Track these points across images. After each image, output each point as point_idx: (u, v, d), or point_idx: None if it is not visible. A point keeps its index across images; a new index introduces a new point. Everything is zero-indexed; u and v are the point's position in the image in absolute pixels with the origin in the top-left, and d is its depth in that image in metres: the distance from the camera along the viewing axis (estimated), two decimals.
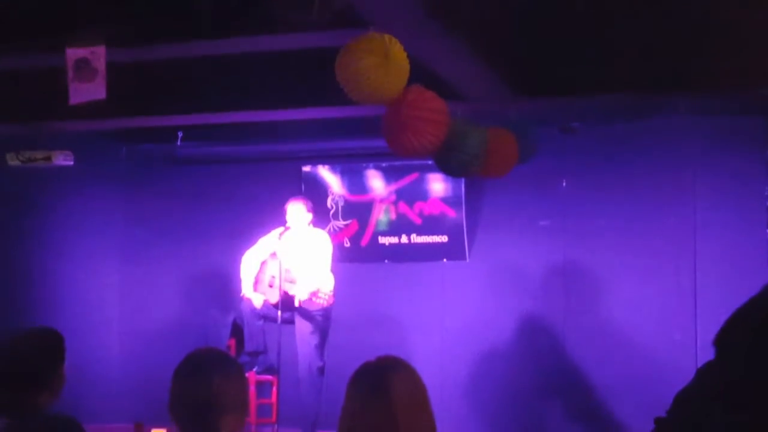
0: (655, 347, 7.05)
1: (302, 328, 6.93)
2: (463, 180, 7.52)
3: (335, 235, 7.88)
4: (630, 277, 7.23)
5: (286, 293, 6.82)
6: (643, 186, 7.27)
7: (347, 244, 7.98)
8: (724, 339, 1.82)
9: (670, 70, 5.34)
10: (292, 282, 6.89)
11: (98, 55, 4.29)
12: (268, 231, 7.19)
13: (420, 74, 4.33)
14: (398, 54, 3.92)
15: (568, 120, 7.22)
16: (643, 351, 7.06)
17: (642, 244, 7.22)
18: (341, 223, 8.03)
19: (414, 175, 7.83)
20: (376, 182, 7.99)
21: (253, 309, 7.01)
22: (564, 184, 7.43)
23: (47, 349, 3.46)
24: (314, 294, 6.78)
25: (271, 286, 7.04)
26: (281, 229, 7.03)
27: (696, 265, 7.10)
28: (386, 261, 7.92)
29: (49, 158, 7.22)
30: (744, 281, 6.43)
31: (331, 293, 6.88)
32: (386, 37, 3.90)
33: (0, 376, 3.33)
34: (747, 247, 6.97)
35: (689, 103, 6.86)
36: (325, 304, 6.81)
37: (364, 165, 7.98)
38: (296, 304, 6.80)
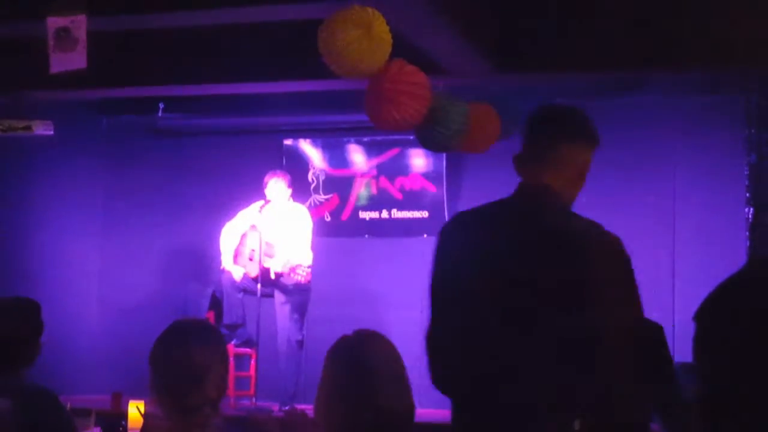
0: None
1: (281, 302, 6.94)
2: (444, 155, 7.52)
3: (316, 209, 7.88)
4: None
5: (265, 267, 6.82)
6: (623, 163, 7.28)
7: (328, 219, 7.98)
8: (704, 314, 1.86)
9: (650, 47, 5.35)
10: (271, 256, 6.89)
11: (79, 24, 4.26)
12: (249, 204, 7.18)
13: (402, 48, 4.32)
14: (381, 27, 3.91)
15: (550, 96, 7.22)
16: None
17: (621, 221, 7.16)
18: (322, 197, 8.03)
19: (395, 150, 7.83)
20: (358, 157, 7.98)
21: (233, 282, 7.01)
22: None
23: (23, 319, 3.46)
24: (293, 269, 6.79)
25: (251, 259, 7.04)
26: (261, 202, 7.03)
27: (674, 243, 7.14)
28: (366, 236, 7.93)
29: (29, 128, 7.16)
30: (722, 259, 6.48)
31: (309, 269, 6.88)
32: (369, 10, 3.90)
33: None
34: (725, 225, 7.02)
35: (669, 81, 6.89)
36: (303, 280, 6.82)
37: (346, 139, 7.97)
38: (272, 275, 6.80)
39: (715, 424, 1.35)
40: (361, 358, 2.41)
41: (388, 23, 3.94)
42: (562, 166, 2.70)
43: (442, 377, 2.64)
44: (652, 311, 7.73)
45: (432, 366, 2.66)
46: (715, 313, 1.73)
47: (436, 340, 2.69)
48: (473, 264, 2.64)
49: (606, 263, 2.58)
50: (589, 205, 7.95)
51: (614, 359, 2.46)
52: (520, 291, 2.50)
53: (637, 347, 2.57)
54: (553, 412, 2.42)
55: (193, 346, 2.59)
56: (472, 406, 2.56)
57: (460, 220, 2.86)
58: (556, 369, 2.42)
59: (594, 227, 2.66)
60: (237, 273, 7.00)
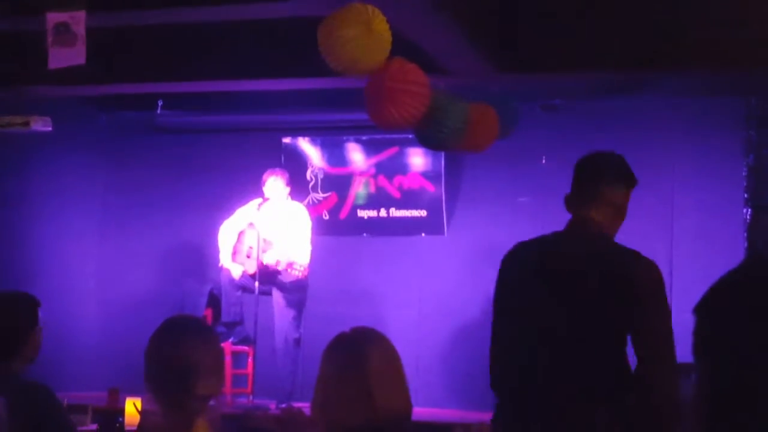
0: None
1: (279, 300, 6.94)
2: (443, 155, 7.52)
3: (314, 208, 7.87)
4: None
5: (263, 264, 6.82)
6: None
7: (326, 217, 7.98)
8: (703, 308, 1.88)
9: (650, 49, 5.35)
10: (267, 252, 6.89)
11: (78, 19, 4.25)
12: (247, 202, 7.17)
13: (402, 47, 4.32)
14: (380, 25, 3.91)
15: (550, 97, 7.23)
16: None
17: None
18: (320, 195, 8.02)
19: (394, 149, 7.82)
20: (356, 155, 7.98)
21: (232, 279, 7.00)
22: (544, 160, 7.44)
23: (20, 314, 3.45)
24: (290, 265, 6.79)
25: (248, 257, 7.04)
26: (259, 200, 7.02)
27: (672, 243, 7.15)
28: (365, 234, 7.93)
29: (27, 123, 7.16)
30: (720, 260, 6.47)
31: (307, 266, 6.88)
32: (369, 7, 3.89)
33: None
34: (724, 226, 7.02)
35: (669, 82, 6.88)
36: (300, 276, 6.82)
37: (345, 138, 7.97)
38: (274, 264, 6.78)
39: (714, 421, 1.36)
40: (359, 356, 2.41)
41: (388, 21, 3.94)
42: (604, 205, 3.27)
43: (498, 380, 3.16)
44: None
45: (491, 372, 3.19)
46: (715, 307, 1.75)
47: (496, 350, 3.20)
48: (530, 283, 3.17)
49: (643, 281, 3.08)
50: None
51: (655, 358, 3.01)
52: (567, 303, 3.04)
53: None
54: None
55: (185, 343, 2.59)
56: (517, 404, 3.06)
57: (520, 247, 3.44)
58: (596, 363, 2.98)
59: (632, 252, 3.18)
60: (236, 271, 6.99)
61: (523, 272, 3.25)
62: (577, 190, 3.32)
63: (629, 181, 3.41)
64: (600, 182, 3.30)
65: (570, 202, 3.33)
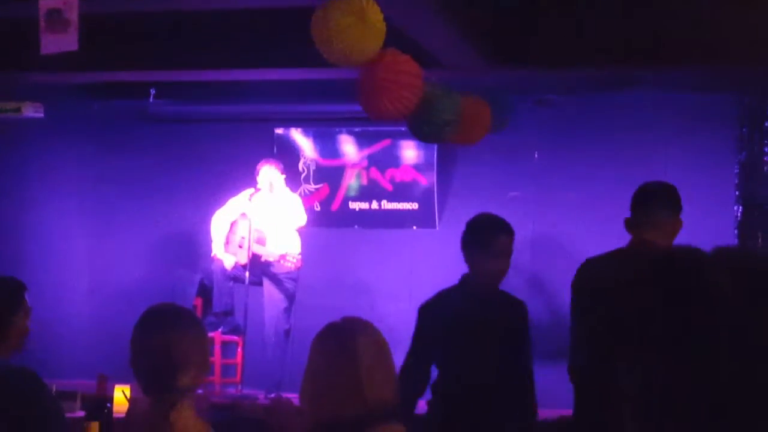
0: None
1: (270, 291, 6.94)
2: (435, 147, 7.52)
3: (306, 199, 7.86)
4: (598, 250, 7.25)
5: (255, 254, 6.82)
6: (614, 160, 7.30)
7: (317, 208, 7.97)
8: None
9: (643, 44, 5.36)
10: (261, 243, 6.89)
11: (71, 5, 4.23)
12: (239, 192, 7.16)
13: (396, 39, 4.31)
14: (375, 15, 3.90)
15: (543, 91, 7.23)
16: None
17: (611, 218, 7.23)
18: (312, 186, 8.02)
19: (386, 142, 7.82)
20: (349, 147, 7.97)
21: (224, 270, 7.00)
22: (536, 155, 7.44)
23: (8, 300, 3.43)
24: (283, 257, 6.79)
25: (240, 247, 7.03)
26: (251, 190, 7.01)
27: None
28: (356, 226, 7.93)
29: (18, 109, 7.14)
30: None
31: (299, 257, 6.88)
32: None
33: None
34: (715, 223, 7.03)
35: (662, 78, 6.89)
36: (293, 267, 6.81)
37: (337, 130, 7.96)
38: (269, 258, 6.79)
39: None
40: (348, 345, 2.41)
41: (382, 12, 3.93)
42: (658, 227, 3.95)
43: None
44: None
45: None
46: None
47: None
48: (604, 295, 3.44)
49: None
50: (580, 200, 7.97)
51: None
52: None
53: None
54: None
55: (166, 333, 2.58)
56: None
57: (590, 263, 4.24)
58: None
59: None
60: (228, 261, 6.99)
61: (595, 287, 3.84)
62: (636, 215, 4.06)
63: (680, 207, 4.11)
64: (657, 209, 4.04)
65: (629, 225, 4.09)
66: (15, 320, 3.40)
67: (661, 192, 4.09)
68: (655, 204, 4.02)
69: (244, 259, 6.91)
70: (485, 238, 4.18)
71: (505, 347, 4.12)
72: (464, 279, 4.28)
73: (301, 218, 7.04)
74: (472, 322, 4.04)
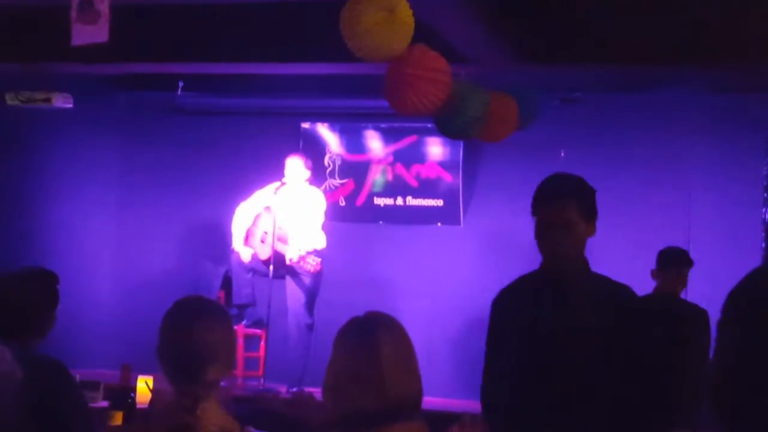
0: None
1: (292, 286, 6.95)
2: (461, 145, 7.50)
3: (331, 194, 7.87)
4: (623, 250, 7.23)
5: (277, 252, 6.83)
6: (640, 159, 7.26)
7: (342, 203, 7.98)
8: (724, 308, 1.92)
9: (673, 44, 5.32)
10: (283, 241, 6.90)
11: None
12: (264, 185, 7.18)
13: (424, 35, 4.30)
14: (404, 11, 3.90)
15: (570, 89, 7.20)
16: None
17: (637, 218, 7.22)
18: (337, 181, 8.02)
19: (412, 138, 7.81)
20: (375, 143, 7.97)
21: (241, 262, 7.03)
22: (562, 154, 7.41)
23: (42, 292, 3.45)
24: (303, 258, 6.78)
25: (262, 242, 7.05)
26: (278, 183, 7.03)
27: (690, 240, 7.10)
28: (381, 222, 7.92)
29: (48, 100, 7.19)
30: (737, 259, 6.45)
31: (319, 260, 6.87)
32: None
33: None
34: (741, 225, 6.98)
35: (691, 78, 6.84)
36: (312, 270, 6.81)
37: (363, 125, 7.96)
38: (287, 261, 6.81)
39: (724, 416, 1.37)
40: (371, 340, 2.40)
41: (411, 8, 3.93)
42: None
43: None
44: None
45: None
46: (729, 308, 1.76)
47: None
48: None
49: None
50: (606, 199, 7.92)
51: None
52: None
53: None
54: None
55: (196, 326, 2.58)
56: None
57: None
58: None
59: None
60: (245, 254, 7.01)
61: None
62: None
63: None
64: None
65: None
66: (53, 314, 3.44)
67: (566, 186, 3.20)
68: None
69: (264, 253, 6.93)
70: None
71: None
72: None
73: (321, 216, 7.04)
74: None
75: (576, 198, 3.14)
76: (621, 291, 3.17)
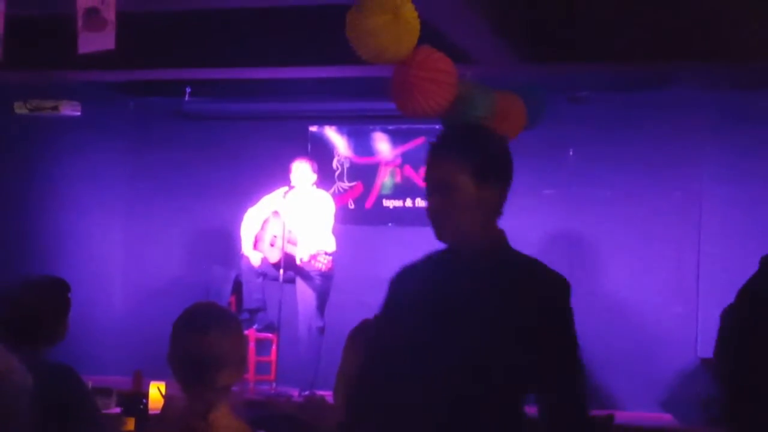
0: (656, 320, 7.05)
1: (303, 288, 6.95)
2: None
3: (340, 197, 7.88)
4: (633, 249, 7.22)
5: (287, 254, 6.84)
6: (650, 158, 7.24)
7: (351, 206, 7.98)
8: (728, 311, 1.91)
9: (680, 41, 5.30)
10: (293, 243, 6.90)
11: (108, 4, 4.26)
12: (273, 190, 7.18)
13: (430, 36, 4.30)
14: (409, 13, 3.89)
15: (577, 88, 7.18)
16: (644, 323, 7.07)
17: (647, 217, 7.20)
18: (346, 184, 8.03)
19: (420, 139, 7.81)
20: (383, 145, 7.97)
21: (251, 267, 7.04)
22: (571, 153, 7.40)
23: (53, 300, 3.47)
24: (314, 257, 6.79)
25: (272, 245, 7.05)
26: (286, 188, 7.04)
27: (700, 238, 7.09)
28: (390, 224, 7.92)
29: (56, 108, 7.21)
30: (748, 257, 6.40)
31: (330, 258, 6.87)
32: None
33: (4, 324, 3.34)
34: (752, 222, 6.95)
35: (699, 75, 6.82)
36: (324, 268, 6.82)
37: (371, 127, 7.96)
38: (297, 262, 6.82)
39: (736, 413, 1.36)
40: None
41: (416, 9, 3.93)
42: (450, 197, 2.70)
43: None
44: (675, 307, 7.67)
45: None
46: (737, 309, 1.76)
47: None
48: None
49: None
50: (616, 198, 7.88)
51: None
52: None
53: None
54: None
55: (207, 333, 2.59)
56: None
57: None
58: None
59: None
60: (255, 258, 7.02)
61: None
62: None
63: None
64: None
65: None
66: (66, 321, 3.45)
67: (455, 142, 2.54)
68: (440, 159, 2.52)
69: (274, 257, 6.93)
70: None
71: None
72: None
73: (330, 219, 7.05)
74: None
75: (462, 154, 2.47)
76: (546, 280, 2.54)
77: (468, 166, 2.46)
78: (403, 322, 2.50)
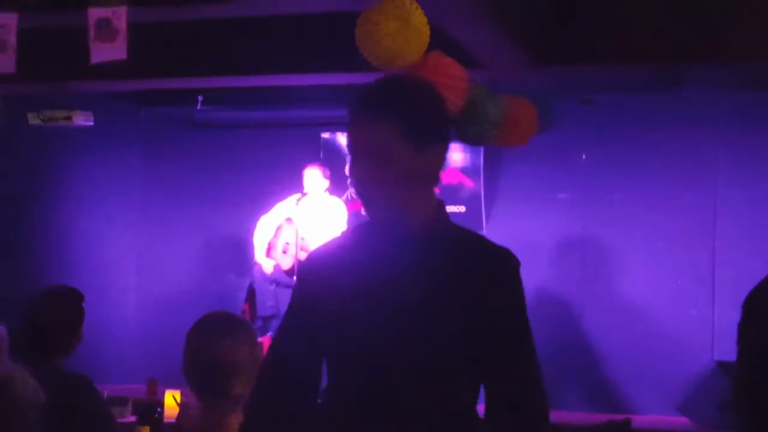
0: (671, 322, 7.03)
1: None
2: (481, 150, 7.49)
3: (352, 203, 7.87)
4: (648, 252, 7.20)
5: (300, 260, 6.84)
6: (664, 160, 7.22)
7: (364, 213, 7.97)
8: (748, 303, 1.89)
9: (694, 40, 5.28)
10: (306, 250, 6.91)
11: (120, 15, 4.28)
12: (285, 197, 7.19)
13: (440, 41, 4.30)
14: (419, 19, 3.90)
15: (589, 91, 7.17)
16: (659, 326, 7.04)
17: (661, 219, 7.18)
18: None
19: None
20: None
21: (264, 274, 7.05)
22: (584, 156, 7.38)
23: (68, 310, 3.48)
24: None
25: (285, 252, 7.06)
26: (298, 195, 7.05)
27: (715, 240, 7.06)
28: None
29: (69, 118, 7.23)
30: (763, 257, 6.40)
31: None
32: (407, 1, 3.89)
33: (20, 336, 3.35)
34: (767, 223, 6.92)
35: (712, 75, 6.79)
36: None
37: None
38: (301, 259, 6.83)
39: (752, 409, 1.36)
40: None
41: (425, 15, 3.93)
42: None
43: None
44: (690, 310, 7.62)
45: None
46: (756, 303, 1.75)
47: None
48: None
49: None
50: (629, 201, 7.84)
51: None
52: None
53: None
54: None
55: (221, 343, 2.59)
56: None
57: None
58: None
59: None
60: (267, 266, 7.04)
61: None
62: None
63: None
64: None
65: None
66: (80, 331, 3.47)
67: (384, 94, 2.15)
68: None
69: (286, 264, 6.94)
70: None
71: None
72: None
73: (343, 226, 7.06)
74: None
75: (396, 113, 2.09)
76: (492, 255, 2.13)
77: (404, 127, 2.07)
78: (327, 310, 2.13)
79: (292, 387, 2.21)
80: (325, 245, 2.33)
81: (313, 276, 2.25)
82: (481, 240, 2.21)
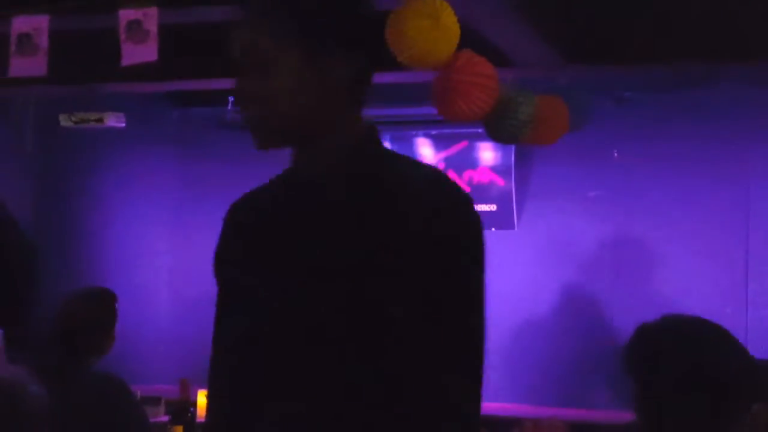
0: None
1: None
2: (512, 148, 7.46)
3: None
4: (681, 250, 7.14)
5: None
6: (696, 158, 7.16)
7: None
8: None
9: (726, 39, 5.24)
10: None
11: (150, 16, 4.30)
12: None
13: (470, 40, 4.29)
14: (449, 18, 3.89)
15: (621, 89, 7.12)
16: None
17: (694, 218, 7.12)
18: None
19: (463, 144, 7.78)
20: (426, 150, 7.95)
21: None
22: (615, 154, 7.33)
23: (102, 311, 3.51)
24: None
25: None
26: None
27: (749, 239, 6.99)
28: None
29: (101, 120, 7.29)
30: None
31: None
32: (437, 0, 3.88)
33: (54, 337, 3.38)
34: None
35: (746, 73, 6.72)
36: None
37: (414, 133, 7.94)
38: None
39: None
40: None
41: (455, 14, 3.93)
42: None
43: None
44: (724, 309, 7.57)
45: None
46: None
47: None
48: None
49: None
50: (662, 200, 7.80)
51: None
52: None
53: None
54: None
55: None
56: None
57: None
58: None
59: None
60: None
61: None
62: None
63: None
64: None
65: None
66: (113, 332, 3.50)
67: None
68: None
69: None
70: None
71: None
72: None
73: None
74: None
75: (279, 8, 1.68)
76: (438, 193, 1.67)
77: (290, 25, 1.61)
78: (239, 265, 1.83)
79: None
80: (246, 194, 1.92)
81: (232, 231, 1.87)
82: (434, 170, 1.74)
